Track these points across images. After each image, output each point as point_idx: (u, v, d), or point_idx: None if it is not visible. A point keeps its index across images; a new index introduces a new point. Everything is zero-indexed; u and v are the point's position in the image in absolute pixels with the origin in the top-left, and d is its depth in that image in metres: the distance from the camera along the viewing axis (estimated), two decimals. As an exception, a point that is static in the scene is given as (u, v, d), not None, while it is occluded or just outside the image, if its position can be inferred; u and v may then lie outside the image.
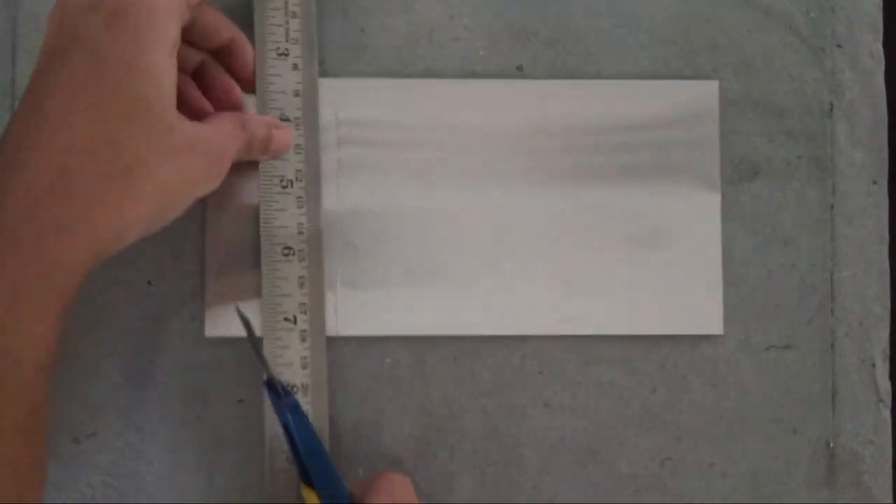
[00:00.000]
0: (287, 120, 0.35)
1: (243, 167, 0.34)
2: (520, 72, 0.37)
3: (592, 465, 0.36)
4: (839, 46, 0.37)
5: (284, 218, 0.35)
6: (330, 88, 0.36)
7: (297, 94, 0.35)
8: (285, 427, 0.31)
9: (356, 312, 0.35)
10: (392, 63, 0.36)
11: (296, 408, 0.31)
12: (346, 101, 0.36)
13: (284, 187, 0.35)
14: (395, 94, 0.36)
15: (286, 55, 0.35)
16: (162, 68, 0.29)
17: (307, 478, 0.31)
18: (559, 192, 0.36)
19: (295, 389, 0.34)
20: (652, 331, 0.36)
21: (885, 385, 0.37)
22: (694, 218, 0.36)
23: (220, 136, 0.31)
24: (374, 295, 0.35)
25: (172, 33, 0.29)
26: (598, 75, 0.37)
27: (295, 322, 0.34)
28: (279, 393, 0.31)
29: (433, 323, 0.35)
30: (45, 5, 0.35)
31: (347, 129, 0.36)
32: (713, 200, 0.36)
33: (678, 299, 0.36)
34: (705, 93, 0.36)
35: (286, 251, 0.35)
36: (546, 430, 0.36)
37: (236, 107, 0.35)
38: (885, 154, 0.37)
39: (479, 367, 0.36)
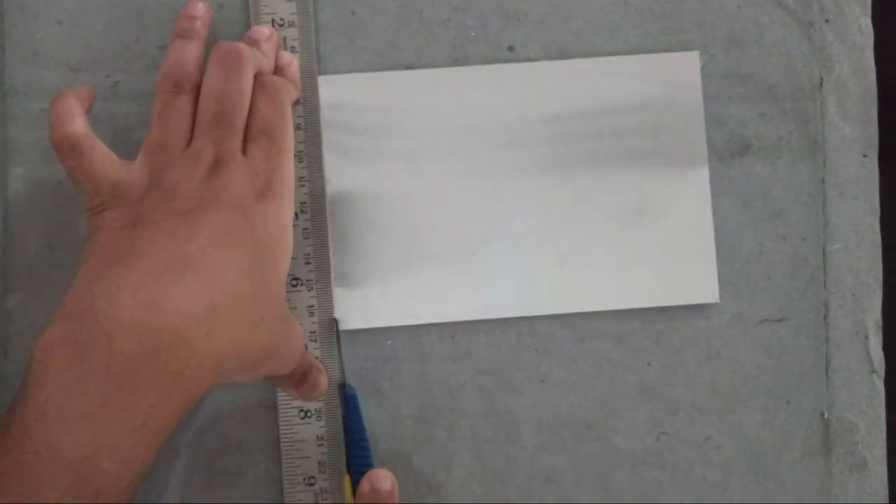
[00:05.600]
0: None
1: None
2: (511, 52, 0.37)
3: (589, 441, 0.36)
4: (828, 21, 0.38)
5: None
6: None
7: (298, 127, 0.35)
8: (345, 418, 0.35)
9: (355, 307, 0.35)
10: (383, 45, 0.36)
11: (355, 399, 0.35)
12: (332, 89, 0.36)
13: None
14: (381, 83, 0.36)
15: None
16: (290, 242, 0.32)
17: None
18: (547, 171, 0.36)
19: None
20: (648, 303, 0.36)
21: (879, 355, 0.37)
22: (683, 189, 0.36)
23: (297, 335, 0.32)
24: (371, 287, 0.35)
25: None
26: (589, 54, 0.37)
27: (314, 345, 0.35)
28: (346, 391, 0.35)
29: (430, 311, 0.35)
30: (34, -7, 0.35)
31: (333, 114, 0.36)
32: (701, 170, 0.36)
33: (672, 270, 0.36)
34: (686, 63, 0.37)
35: (294, 281, 0.35)
36: (543, 407, 0.36)
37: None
38: (874, 127, 0.38)
39: (475, 346, 0.36)
